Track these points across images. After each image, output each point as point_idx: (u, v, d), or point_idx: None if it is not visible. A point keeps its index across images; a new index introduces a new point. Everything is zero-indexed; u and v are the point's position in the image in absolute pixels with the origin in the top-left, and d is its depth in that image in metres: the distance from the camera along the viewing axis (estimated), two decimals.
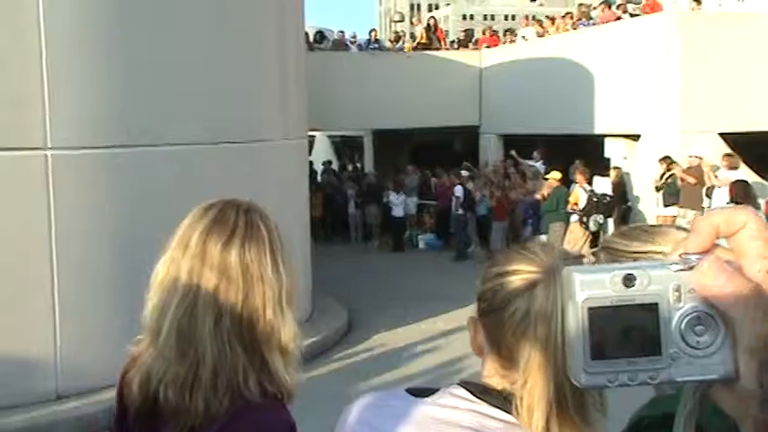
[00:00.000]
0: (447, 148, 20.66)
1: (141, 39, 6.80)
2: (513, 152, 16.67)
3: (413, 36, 20.33)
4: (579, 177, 12.93)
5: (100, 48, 6.55)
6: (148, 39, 6.85)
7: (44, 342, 6.32)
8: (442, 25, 21.86)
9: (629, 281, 0.54)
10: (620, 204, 13.77)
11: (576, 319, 0.54)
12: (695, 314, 0.53)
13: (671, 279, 0.54)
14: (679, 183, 12.45)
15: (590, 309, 0.54)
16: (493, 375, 1.24)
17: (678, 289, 0.54)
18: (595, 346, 0.54)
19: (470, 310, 1.30)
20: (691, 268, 0.53)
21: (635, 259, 1.37)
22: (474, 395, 1.23)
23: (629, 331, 0.54)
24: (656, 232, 1.43)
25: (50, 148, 6.26)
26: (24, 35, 6.11)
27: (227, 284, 1.43)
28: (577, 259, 1.24)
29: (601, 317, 0.54)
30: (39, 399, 6.16)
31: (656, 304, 0.54)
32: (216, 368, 1.40)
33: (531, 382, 1.16)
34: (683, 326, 0.54)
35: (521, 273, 1.20)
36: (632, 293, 0.54)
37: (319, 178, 18.95)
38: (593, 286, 0.54)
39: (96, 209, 6.60)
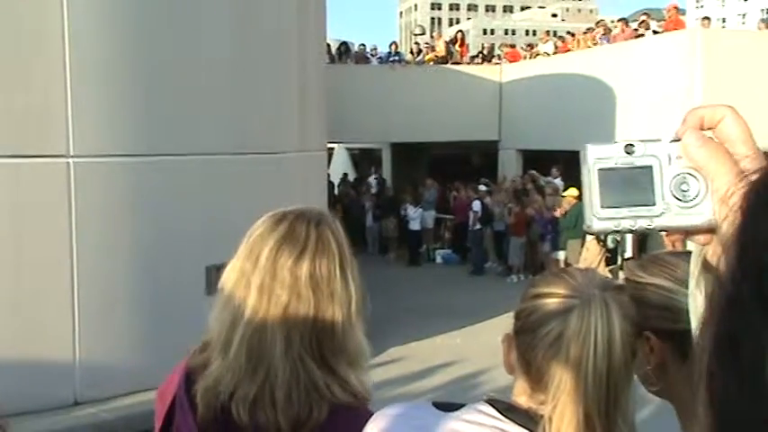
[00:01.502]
0: (465, 162, 20.65)
1: (164, 49, 6.87)
2: (532, 171, 16.64)
3: (432, 48, 20.34)
4: None
5: (123, 58, 6.63)
6: (171, 49, 6.92)
7: (63, 349, 6.36)
8: None
9: (630, 148, 0.69)
10: None
11: (588, 178, 0.68)
12: (681, 174, 0.66)
13: (663, 149, 0.69)
14: None
15: (599, 169, 0.68)
16: (521, 394, 1.24)
17: (669, 156, 0.68)
18: (603, 196, 0.67)
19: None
20: (678, 140, 0.68)
21: (641, 291, 1.37)
22: (500, 412, 1.22)
23: (629, 185, 0.67)
24: (675, 265, 1.40)
25: (73, 156, 6.33)
26: (48, 44, 6.19)
27: (297, 301, 1.42)
28: (616, 289, 1.24)
29: (607, 174, 0.68)
30: (57, 405, 6.19)
31: (651, 167, 0.67)
32: (290, 387, 1.39)
33: (560, 406, 1.16)
34: (672, 184, 0.66)
35: (557, 296, 1.20)
36: (632, 159, 0.68)
37: (336, 190, 19.00)
38: (601, 153, 0.69)
39: (117, 217, 6.65)
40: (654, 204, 0.67)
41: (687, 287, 0.69)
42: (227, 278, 1.47)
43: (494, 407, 1.23)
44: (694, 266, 0.67)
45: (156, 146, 6.80)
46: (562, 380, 1.16)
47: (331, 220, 1.53)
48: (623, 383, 1.18)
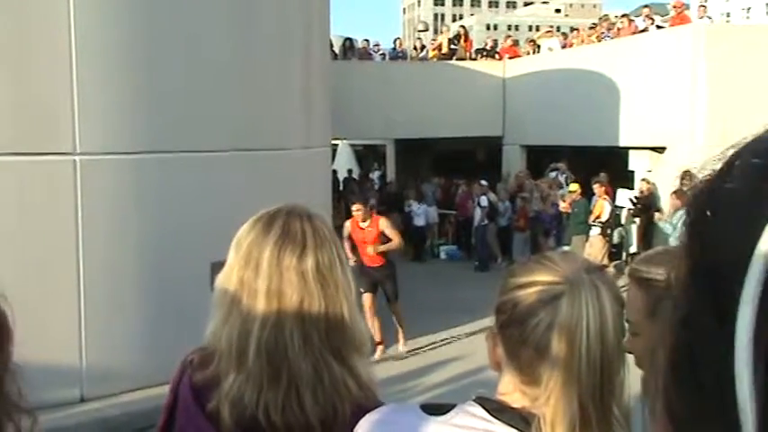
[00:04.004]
0: (469, 158, 20.64)
1: (168, 47, 6.89)
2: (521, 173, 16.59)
3: (439, 48, 20.30)
4: (599, 190, 12.84)
5: (128, 56, 6.64)
6: (175, 47, 6.93)
7: (70, 346, 6.39)
8: None
9: None
10: (644, 217, 13.67)
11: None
12: None
13: None
14: None
15: None
16: (512, 392, 1.19)
17: None
18: None
19: (493, 321, 1.25)
20: None
21: (663, 287, 1.35)
22: (490, 413, 1.17)
23: None
24: None
25: (79, 154, 6.36)
26: (55, 42, 6.21)
27: (309, 298, 1.40)
28: (600, 270, 1.20)
29: None
30: (64, 402, 6.22)
31: None
32: (315, 386, 1.38)
33: (554, 399, 1.11)
34: None
35: (543, 284, 1.15)
36: None
37: (341, 186, 19.01)
38: None
39: (123, 214, 6.68)
40: None
41: None
42: (224, 290, 1.45)
43: (484, 407, 1.19)
44: None
45: (160, 143, 6.82)
46: (555, 371, 1.11)
47: (316, 212, 1.53)
48: (616, 367, 1.14)
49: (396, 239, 8.78)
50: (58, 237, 6.35)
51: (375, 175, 21.93)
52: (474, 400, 1.20)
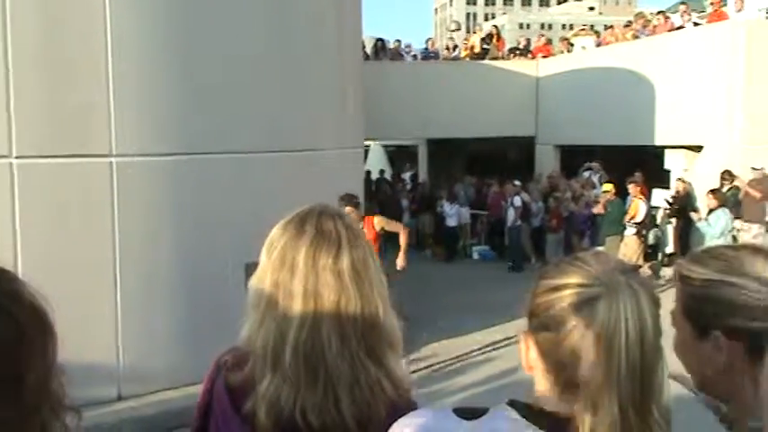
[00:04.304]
0: (502, 158, 20.54)
1: (203, 48, 6.96)
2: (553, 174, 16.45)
3: (472, 48, 20.22)
4: (634, 190, 12.68)
5: (163, 59, 6.72)
6: (210, 48, 7.00)
7: (107, 345, 6.49)
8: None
9: None
10: (680, 217, 13.48)
11: None
12: None
13: None
14: (741, 195, 12.11)
15: None
16: (546, 395, 1.17)
17: None
18: None
19: (525, 322, 1.23)
20: None
21: (708, 289, 1.31)
22: (525, 418, 1.15)
23: None
24: (731, 258, 1.33)
25: (115, 156, 6.45)
26: (91, 45, 6.31)
27: (345, 298, 1.40)
28: (635, 270, 1.17)
29: None
30: (101, 400, 6.31)
31: None
32: (352, 387, 1.38)
33: (593, 404, 1.09)
34: None
35: (578, 286, 1.12)
36: None
37: (373, 187, 19.04)
38: None
39: (158, 215, 6.76)
40: None
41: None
42: (259, 293, 1.44)
43: (518, 411, 1.17)
44: None
45: (195, 144, 6.90)
46: (593, 376, 1.09)
47: (344, 211, 1.53)
48: (655, 369, 1.12)
49: (400, 229, 8.47)
50: (94, 238, 6.45)
51: (407, 175, 21.92)
52: (507, 404, 1.19)
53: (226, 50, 7.09)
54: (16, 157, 6.06)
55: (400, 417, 1.31)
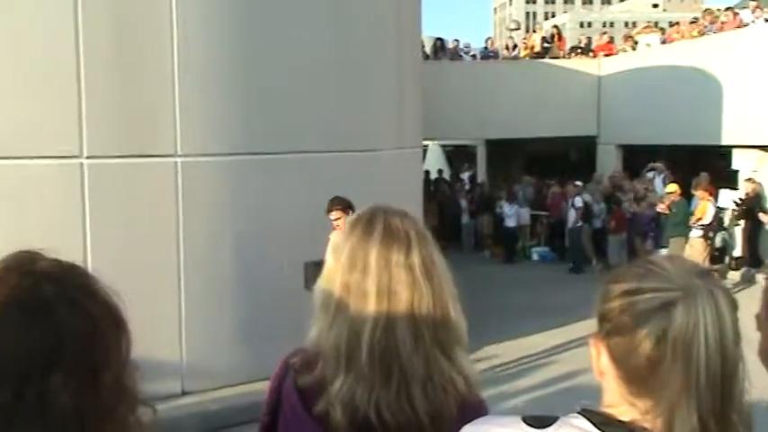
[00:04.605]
0: (562, 158, 20.24)
1: (265, 50, 7.05)
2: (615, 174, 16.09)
3: (532, 48, 19.99)
4: (701, 192, 12.30)
5: (226, 60, 6.84)
6: (272, 49, 7.09)
7: (171, 341, 6.64)
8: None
9: None
10: (749, 219, 13.06)
11: None
12: None
13: None
14: None
15: None
16: (619, 403, 1.12)
17: None
18: None
19: (589, 325, 1.19)
20: None
21: None
22: (596, 426, 1.11)
23: None
24: None
25: (180, 156, 6.59)
26: (158, 47, 6.46)
27: (418, 295, 1.41)
28: (711, 275, 1.13)
29: None
30: (165, 395, 6.45)
31: None
32: (425, 381, 1.39)
33: (669, 413, 1.05)
34: None
35: (654, 290, 1.08)
36: None
37: (431, 187, 19.01)
38: None
39: (221, 214, 6.88)
40: None
41: None
42: (328, 294, 1.45)
43: (589, 420, 1.13)
44: None
45: (257, 145, 7.00)
46: (670, 384, 1.05)
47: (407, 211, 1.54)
48: (735, 375, 1.07)
49: None
50: (159, 237, 6.60)
51: (465, 175, 21.81)
52: (579, 413, 1.15)
53: (286, 52, 7.17)
54: (87, 158, 6.24)
55: (470, 414, 1.30)
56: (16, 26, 6.02)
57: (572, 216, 14.94)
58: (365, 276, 1.42)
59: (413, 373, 1.39)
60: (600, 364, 1.16)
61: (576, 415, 1.15)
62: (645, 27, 24.62)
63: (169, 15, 6.45)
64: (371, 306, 1.41)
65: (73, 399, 0.94)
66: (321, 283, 1.48)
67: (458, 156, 24.70)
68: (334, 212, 6.20)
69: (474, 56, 20.07)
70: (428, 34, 18.77)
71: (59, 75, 6.12)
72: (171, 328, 6.65)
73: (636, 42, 19.78)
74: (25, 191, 6.11)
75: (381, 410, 1.38)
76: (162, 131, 6.52)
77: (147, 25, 6.43)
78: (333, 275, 1.46)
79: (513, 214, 16.19)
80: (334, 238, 1.51)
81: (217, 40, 6.78)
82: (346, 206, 6.13)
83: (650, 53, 17.86)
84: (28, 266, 1.00)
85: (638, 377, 1.09)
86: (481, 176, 20.94)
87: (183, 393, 6.71)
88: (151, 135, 6.50)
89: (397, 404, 1.39)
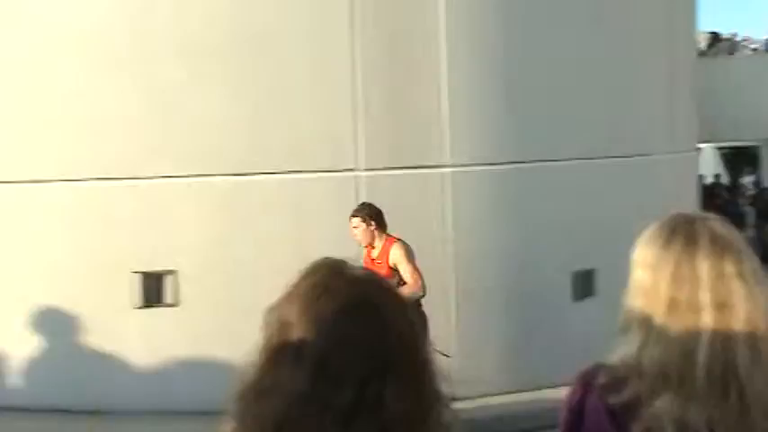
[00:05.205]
0: None
1: (532, 56, 7.00)
2: None
3: None
4: None
5: (497, 69, 6.89)
6: (540, 53, 7.03)
7: (444, 347, 6.78)
8: None
9: None
10: None
11: None
12: None
13: None
14: None
15: None
16: None
17: None
18: None
19: None
20: None
21: None
22: None
23: None
24: None
25: (451, 166, 6.75)
26: (429, 58, 6.67)
27: (753, 307, 1.33)
28: None
29: None
30: None
31: None
32: (765, 401, 1.32)
33: None
34: None
35: None
36: None
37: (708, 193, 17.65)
38: None
39: (490, 223, 6.91)
40: None
41: None
42: (646, 310, 1.38)
43: None
44: None
45: (529, 152, 6.97)
46: None
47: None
48: None
49: (411, 280, 5.65)
50: (433, 247, 6.75)
51: (747, 180, 19.93)
52: None
53: (554, 54, 7.08)
54: (364, 170, 6.61)
55: None
56: (306, 48, 6.49)
57: None
58: (697, 289, 1.34)
59: (752, 390, 1.30)
60: None
61: None
62: None
63: (436, 26, 6.63)
64: (706, 320, 1.33)
65: (403, 402, 0.95)
66: (635, 298, 1.42)
67: (736, 158, 22.68)
68: (355, 219, 5.68)
69: (755, 48, 18.41)
70: (702, 28, 17.53)
71: (336, 91, 6.53)
72: (443, 336, 6.81)
73: None
74: (305, 203, 6.55)
75: (715, 429, 1.31)
76: (434, 142, 6.71)
77: (417, 38, 6.68)
78: (652, 289, 1.38)
79: None
80: (642, 250, 1.42)
81: (485, 51, 6.86)
82: (369, 215, 5.65)
83: None
84: (348, 272, 1.03)
85: None
86: (766, 181, 19.05)
87: (453, 399, 6.83)
88: (424, 146, 6.72)
89: (734, 423, 1.30)
